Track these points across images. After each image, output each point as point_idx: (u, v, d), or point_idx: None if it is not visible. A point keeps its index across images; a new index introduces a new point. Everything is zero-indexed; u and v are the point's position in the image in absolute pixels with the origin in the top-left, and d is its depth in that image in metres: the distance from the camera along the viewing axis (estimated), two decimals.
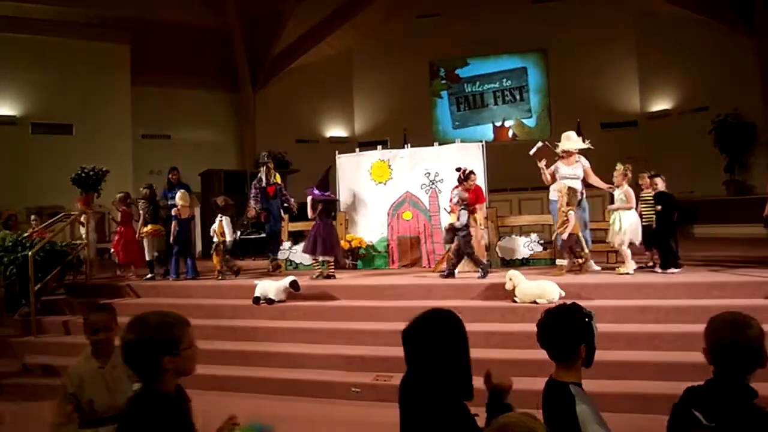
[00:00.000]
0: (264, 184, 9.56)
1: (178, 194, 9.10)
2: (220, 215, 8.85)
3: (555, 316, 2.47)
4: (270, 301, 7.31)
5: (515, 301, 6.58)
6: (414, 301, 7.14)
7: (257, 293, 7.39)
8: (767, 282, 6.45)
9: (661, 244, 7.59)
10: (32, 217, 10.31)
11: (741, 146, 14.48)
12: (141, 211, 9.42)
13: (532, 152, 8.39)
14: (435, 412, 2.08)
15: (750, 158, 14.55)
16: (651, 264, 7.72)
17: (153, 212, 9.35)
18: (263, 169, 9.65)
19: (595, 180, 8.18)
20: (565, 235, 7.78)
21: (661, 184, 7.73)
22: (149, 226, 9.25)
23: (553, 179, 7.99)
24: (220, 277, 8.66)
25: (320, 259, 8.35)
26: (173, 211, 9.08)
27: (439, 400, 2.09)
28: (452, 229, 7.98)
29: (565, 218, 7.77)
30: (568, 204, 7.82)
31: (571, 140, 8.16)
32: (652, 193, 7.74)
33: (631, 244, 7.63)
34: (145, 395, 2.00)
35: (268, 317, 7.26)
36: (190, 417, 2.08)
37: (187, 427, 2.03)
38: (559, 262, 7.80)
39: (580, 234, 7.87)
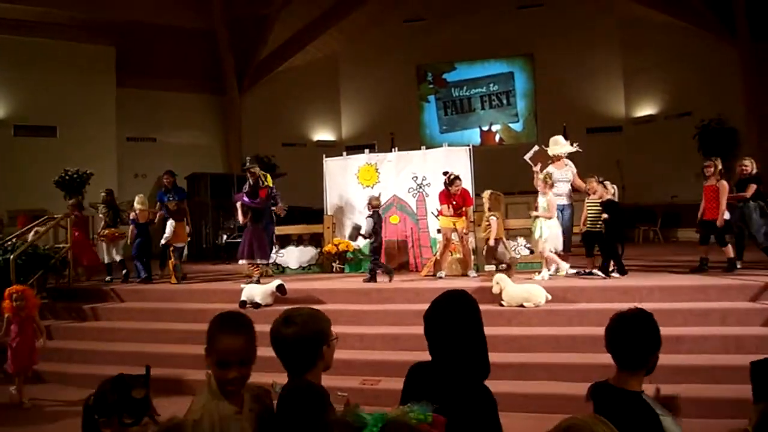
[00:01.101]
0: (252, 188, 9.41)
1: (137, 199, 9.34)
2: (171, 220, 9.06)
3: (634, 321, 2.38)
4: (256, 305, 7.27)
5: (502, 305, 6.60)
6: (401, 305, 7.15)
7: (243, 297, 7.36)
8: (749, 285, 6.53)
9: (608, 250, 7.68)
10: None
11: (724, 151, 14.58)
12: (101, 215, 9.49)
13: (528, 156, 8.46)
14: (461, 392, 2.07)
15: (733, 163, 14.69)
16: (589, 270, 7.77)
17: (113, 216, 9.52)
18: (250, 177, 9.37)
19: (578, 183, 8.27)
20: (491, 241, 7.86)
21: (610, 191, 7.80)
22: (108, 230, 9.38)
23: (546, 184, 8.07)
24: (175, 282, 8.85)
25: (258, 262, 8.45)
26: (131, 215, 9.28)
27: (463, 379, 2.10)
28: (356, 233, 8.13)
29: (488, 224, 7.88)
30: (490, 209, 7.93)
31: (559, 144, 8.25)
32: (598, 199, 7.83)
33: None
34: (301, 387, 2.12)
35: (254, 321, 7.20)
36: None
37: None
38: (487, 268, 7.87)
39: (504, 239, 7.96)
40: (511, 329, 6.33)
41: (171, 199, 9.77)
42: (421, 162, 9.47)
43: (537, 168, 8.19)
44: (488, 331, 6.82)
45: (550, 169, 8.15)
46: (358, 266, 9.49)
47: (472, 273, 8.17)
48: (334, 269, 9.44)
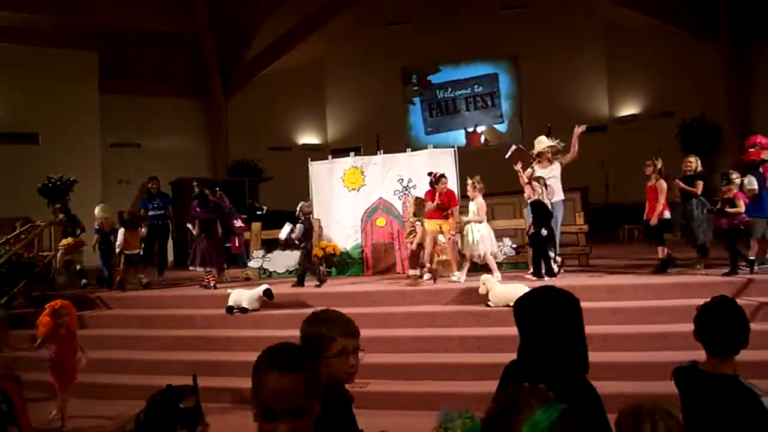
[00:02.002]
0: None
1: (98, 208, 9.52)
2: (122, 228, 9.20)
3: (723, 309, 2.49)
4: (244, 310, 7.24)
5: (489, 305, 6.62)
6: (388, 308, 7.16)
7: (230, 302, 7.32)
8: (731, 282, 6.61)
9: (535, 252, 7.74)
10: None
11: (706, 149, 14.76)
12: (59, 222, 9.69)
13: (507, 155, 8.50)
14: (566, 387, 2.06)
15: (716, 161, 14.88)
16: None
17: (72, 226, 9.77)
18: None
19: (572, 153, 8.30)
20: (414, 246, 7.90)
21: (537, 191, 7.81)
22: (67, 240, 9.58)
23: (529, 182, 8.11)
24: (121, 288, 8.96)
25: (197, 269, 8.72)
26: (96, 224, 9.43)
27: (566, 375, 2.07)
28: (288, 238, 8.22)
29: (413, 229, 7.93)
30: (414, 215, 7.99)
31: (542, 143, 8.30)
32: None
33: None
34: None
35: (242, 326, 7.20)
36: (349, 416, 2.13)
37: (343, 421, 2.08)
38: (411, 272, 7.91)
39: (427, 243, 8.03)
40: (498, 329, 6.35)
41: (156, 205, 9.76)
42: (406, 164, 9.49)
43: (518, 167, 8.24)
44: (475, 332, 6.88)
45: (535, 167, 8.20)
46: (345, 269, 9.48)
47: (457, 274, 8.16)
48: (320, 272, 9.42)
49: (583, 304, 6.72)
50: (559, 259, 8.01)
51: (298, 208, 8.51)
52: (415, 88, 19.58)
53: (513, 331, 6.81)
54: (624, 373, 5.32)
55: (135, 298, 8.58)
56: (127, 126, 16.14)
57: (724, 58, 14.73)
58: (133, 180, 15.18)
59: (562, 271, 7.97)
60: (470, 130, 19.13)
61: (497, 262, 8.45)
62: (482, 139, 19.06)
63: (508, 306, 6.50)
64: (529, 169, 8.18)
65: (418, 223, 7.98)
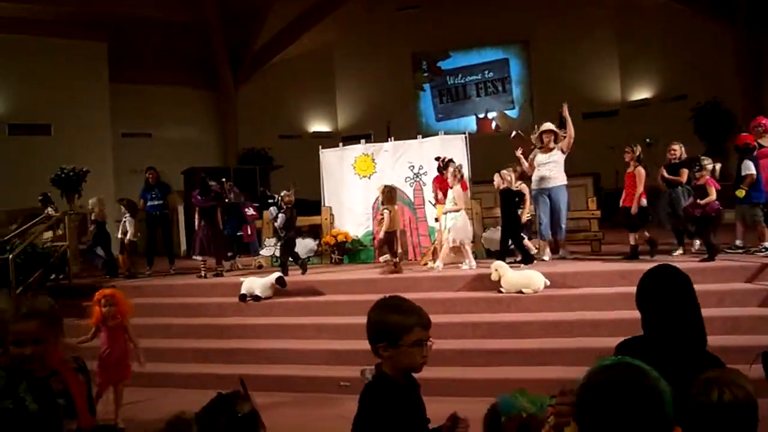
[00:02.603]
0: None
1: (91, 200, 9.61)
2: (127, 215, 9.33)
3: None
4: (256, 298, 7.29)
5: (501, 292, 6.62)
6: (402, 294, 7.15)
7: (243, 290, 7.37)
8: (747, 267, 6.56)
9: (503, 239, 7.78)
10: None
11: (720, 134, 14.63)
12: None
13: (512, 136, 8.49)
14: (689, 360, 2.12)
15: (728, 145, 14.73)
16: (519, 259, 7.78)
17: None
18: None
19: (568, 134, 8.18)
20: (381, 234, 7.97)
21: (506, 179, 7.82)
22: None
23: (533, 168, 8.07)
24: (127, 274, 9.20)
25: (198, 258, 8.80)
26: (93, 215, 9.56)
27: (691, 348, 2.16)
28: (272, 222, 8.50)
29: (381, 217, 7.92)
30: (383, 203, 7.99)
31: (543, 126, 8.23)
32: (518, 187, 7.92)
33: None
34: (376, 376, 2.13)
35: (254, 314, 7.25)
36: (416, 402, 2.14)
37: (409, 410, 2.08)
38: (383, 258, 7.94)
39: (398, 232, 8.13)
40: (510, 315, 6.36)
41: (154, 195, 9.79)
42: (417, 151, 9.46)
43: (519, 153, 8.22)
44: (487, 317, 6.89)
45: (537, 152, 8.16)
46: (356, 257, 9.51)
47: (438, 264, 8.11)
48: (332, 260, 9.46)
49: (593, 290, 6.75)
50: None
51: (279, 197, 8.56)
52: (426, 74, 19.48)
53: (525, 317, 6.87)
54: None
55: (148, 287, 8.66)
56: (138, 116, 16.20)
57: (738, 40, 14.51)
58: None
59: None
60: (481, 116, 19.03)
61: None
62: (493, 125, 18.96)
63: (520, 292, 6.51)
64: (531, 155, 8.15)
65: (386, 211, 8.00)
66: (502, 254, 7.71)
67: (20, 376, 2.11)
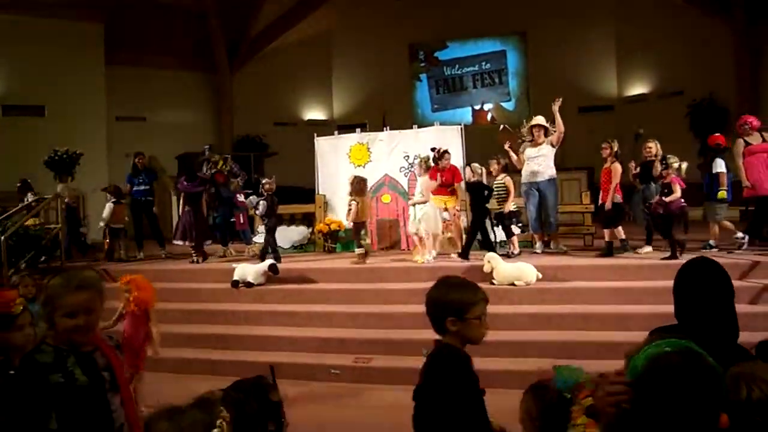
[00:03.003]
0: (211, 173, 9.50)
1: (62, 185, 10.01)
2: (110, 203, 9.43)
3: None
4: (249, 285, 7.30)
5: (493, 284, 6.64)
6: (392, 284, 7.20)
7: (236, 277, 7.38)
8: (739, 264, 6.60)
9: (471, 232, 7.84)
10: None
11: (715, 131, 14.60)
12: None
13: (500, 129, 8.51)
14: (722, 351, 2.15)
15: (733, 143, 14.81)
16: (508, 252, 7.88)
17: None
18: (208, 165, 9.62)
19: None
20: (350, 224, 8.14)
21: (477, 172, 7.90)
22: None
23: (522, 162, 8.10)
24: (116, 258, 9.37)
25: (179, 243, 8.97)
26: (66, 200, 9.82)
27: (723, 339, 2.20)
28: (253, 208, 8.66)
29: (350, 208, 8.04)
30: (351, 194, 8.17)
31: (538, 121, 8.22)
32: (502, 180, 7.97)
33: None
34: (437, 349, 2.30)
35: (247, 301, 7.26)
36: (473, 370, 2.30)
37: (474, 378, 2.28)
38: (357, 250, 8.01)
39: (368, 222, 8.34)
40: (502, 307, 6.38)
41: (141, 180, 9.77)
42: (412, 141, 9.45)
43: (507, 146, 8.24)
44: None
45: (525, 147, 8.17)
46: (350, 245, 9.51)
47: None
48: (325, 248, 9.47)
49: (584, 284, 6.79)
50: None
51: (261, 185, 8.63)
52: (422, 64, 19.42)
53: (517, 309, 6.90)
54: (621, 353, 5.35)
55: (141, 272, 8.63)
56: (133, 99, 16.08)
57: (736, 37, 14.53)
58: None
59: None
60: (477, 107, 19.01)
61: (502, 241, 8.49)
62: (489, 116, 18.94)
63: (512, 284, 6.54)
64: (521, 148, 8.16)
65: (354, 202, 8.11)
66: (466, 249, 7.77)
67: (67, 350, 2.15)
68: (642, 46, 16.54)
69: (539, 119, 8.12)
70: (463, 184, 8.24)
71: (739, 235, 7.43)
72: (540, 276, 6.61)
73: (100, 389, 2.19)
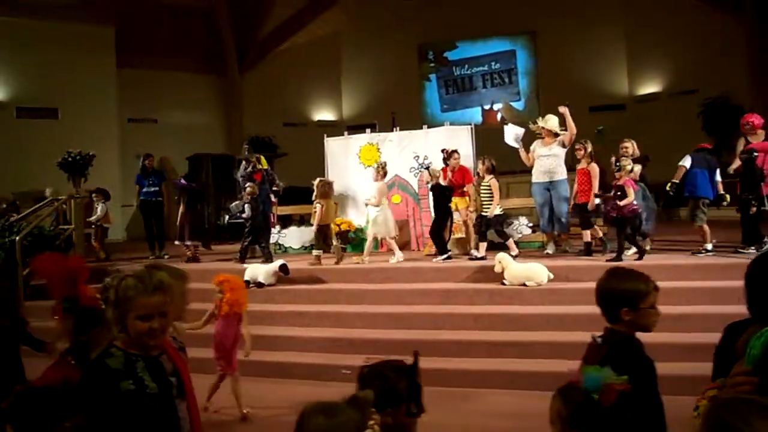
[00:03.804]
0: (248, 172, 9.50)
1: (48, 190, 10.25)
2: (101, 202, 9.97)
3: None
4: (259, 285, 7.32)
5: (504, 284, 6.62)
6: (402, 284, 7.20)
7: (246, 277, 7.39)
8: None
9: (436, 233, 7.92)
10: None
11: (728, 129, 14.52)
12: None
13: (500, 116, 8.42)
14: None
15: (737, 141, 14.64)
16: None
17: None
18: (244, 163, 9.62)
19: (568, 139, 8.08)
20: (315, 227, 8.30)
21: (435, 175, 8.00)
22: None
23: (532, 160, 8.02)
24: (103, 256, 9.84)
25: (187, 243, 9.19)
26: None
27: None
28: (237, 211, 8.89)
29: (315, 210, 8.25)
30: (316, 197, 8.32)
31: (551, 121, 8.16)
32: (488, 182, 7.86)
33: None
34: (609, 334, 2.39)
35: (257, 301, 7.24)
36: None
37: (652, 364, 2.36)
38: (314, 252, 8.18)
39: (332, 225, 8.52)
40: (513, 308, 6.37)
41: (151, 182, 9.81)
42: (422, 141, 9.45)
43: (519, 146, 8.21)
44: (490, 309, 6.89)
45: (537, 144, 8.10)
46: (360, 246, 9.51)
47: (474, 253, 8.20)
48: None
49: (590, 285, 6.62)
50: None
51: (246, 191, 8.81)
52: (432, 64, 19.40)
53: (528, 309, 6.86)
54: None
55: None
56: (144, 101, 16.21)
57: (750, 33, 14.39)
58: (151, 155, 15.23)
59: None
60: (487, 107, 18.96)
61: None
62: (498, 117, 18.89)
63: (524, 285, 6.52)
64: (532, 147, 8.09)
65: (318, 205, 8.26)
66: (442, 247, 7.87)
67: (136, 355, 2.11)
68: (653, 45, 16.44)
69: (553, 125, 8.03)
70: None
71: (709, 246, 7.21)
72: (552, 276, 6.58)
73: (168, 396, 2.13)
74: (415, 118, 15.24)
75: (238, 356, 4.97)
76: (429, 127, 10.00)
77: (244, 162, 9.60)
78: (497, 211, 7.79)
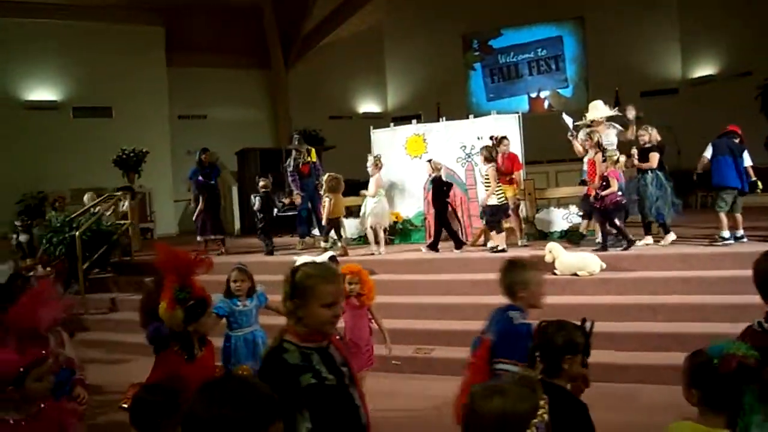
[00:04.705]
0: (295, 167, 9.59)
1: (87, 195, 10.42)
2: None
3: None
4: None
5: (555, 274, 6.54)
6: (451, 275, 7.18)
7: None
8: None
9: (436, 227, 8.09)
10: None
11: None
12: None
13: (569, 123, 8.23)
14: None
15: None
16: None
17: None
18: (294, 154, 9.72)
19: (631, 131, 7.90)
20: (324, 221, 8.51)
21: (437, 167, 8.13)
22: None
23: (585, 150, 7.84)
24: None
25: (212, 237, 9.54)
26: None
27: None
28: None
29: (323, 204, 8.47)
30: (326, 191, 8.46)
31: (597, 109, 7.99)
32: (487, 170, 7.80)
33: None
34: None
35: None
36: None
37: None
38: (323, 244, 8.40)
39: (342, 218, 8.79)
40: (565, 298, 6.27)
41: (207, 175, 9.90)
42: (469, 131, 9.37)
43: (570, 135, 8.03)
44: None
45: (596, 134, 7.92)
46: (408, 237, 9.53)
47: (521, 241, 8.11)
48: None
49: (650, 274, 6.58)
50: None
51: (259, 184, 9.12)
52: (476, 53, 19.18)
53: (580, 299, 6.78)
54: (694, 344, 5.17)
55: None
56: (193, 98, 16.57)
57: None
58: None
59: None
60: (533, 95, 18.65)
61: (562, 231, 8.35)
62: (546, 104, 18.57)
63: (575, 275, 6.42)
64: (581, 135, 7.90)
65: (327, 199, 8.44)
66: (434, 243, 8.03)
67: (309, 348, 2.12)
68: (707, 26, 15.83)
69: (604, 111, 7.88)
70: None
71: (726, 234, 6.91)
72: (604, 266, 6.46)
73: (344, 386, 2.14)
74: (460, 108, 15.13)
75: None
76: (475, 117, 9.90)
77: (294, 152, 9.71)
78: (492, 200, 7.67)
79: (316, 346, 2.13)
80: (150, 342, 3.48)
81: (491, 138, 8.27)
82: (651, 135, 7.42)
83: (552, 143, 10.14)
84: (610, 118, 8.05)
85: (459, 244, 8.02)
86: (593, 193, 7.20)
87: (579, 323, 2.39)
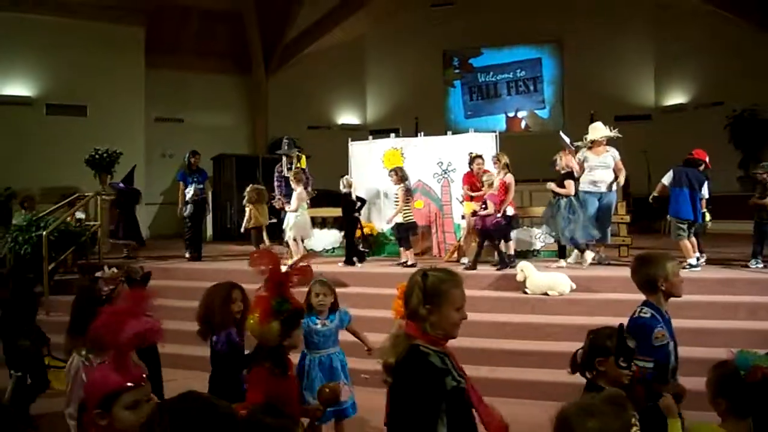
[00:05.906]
0: (285, 173, 9.57)
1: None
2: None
3: None
4: None
5: (526, 293, 6.60)
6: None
7: None
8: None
9: (347, 243, 8.61)
10: None
11: (756, 142, 14.34)
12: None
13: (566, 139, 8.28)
14: None
15: (765, 154, 14.41)
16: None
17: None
18: (285, 160, 9.70)
19: (622, 174, 8.01)
20: (243, 229, 9.35)
21: (346, 185, 8.66)
22: None
23: (582, 170, 7.91)
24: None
25: (120, 242, 9.98)
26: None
27: None
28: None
29: (247, 215, 9.21)
30: (246, 202, 9.29)
31: (598, 130, 8.10)
32: (397, 190, 8.41)
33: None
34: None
35: None
36: None
37: None
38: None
39: (264, 229, 9.46)
40: (534, 317, 6.34)
41: (195, 180, 9.83)
42: (447, 147, 9.45)
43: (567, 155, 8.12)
44: (511, 318, 6.88)
45: (588, 154, 8.03)
46: (381, 250, 9.54)
47: (465, 260, 8.21)
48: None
49: (617, 296, 6.64)
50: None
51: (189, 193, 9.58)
52: (456, 71, 19.38)
53: (549, 319, 6.82)
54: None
55: (177, 270, 8.80)
56: (171, 101, 16.39)
57: None
58: (175, 154, 15.41)
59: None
60: (511, 115, 18.89)
61: (535, 250, 8.45)
62: (523, 124, 18.81)
63: (546, 294, 6.49)
64: (579, 156, 7.99)
65: (247, 209, 9.15)
66: (349, 257, 8.44)
67: (441, 352, 2.19)
68: (681, 55, 16.24)
69: (603, 132, 8.02)
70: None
71: (692, 261, 7.07)
72: (574, 286, 6.54)
73: (463, 389, 2.22)
74: (438, 124, 15.27)
75: None
76: (453, 134, 9.99)
77: (284, 158, 9.67)
78: (399, 219, 8.25)
79: (443, 350, 2.20)
80: (222, 354, 3.29)
81: (470, 154, 8.38)
82: (564, 161, 7.58)
83: (527, 163, 10.28)
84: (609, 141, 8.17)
85: (361, 258, 8.59)
86: (471, 212, 7.91)
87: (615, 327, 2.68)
